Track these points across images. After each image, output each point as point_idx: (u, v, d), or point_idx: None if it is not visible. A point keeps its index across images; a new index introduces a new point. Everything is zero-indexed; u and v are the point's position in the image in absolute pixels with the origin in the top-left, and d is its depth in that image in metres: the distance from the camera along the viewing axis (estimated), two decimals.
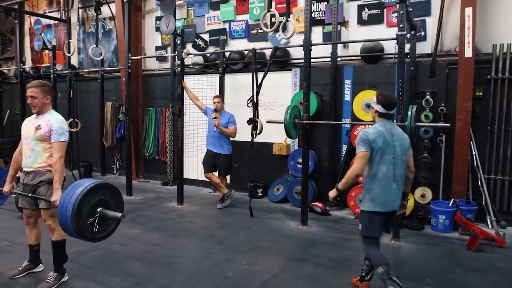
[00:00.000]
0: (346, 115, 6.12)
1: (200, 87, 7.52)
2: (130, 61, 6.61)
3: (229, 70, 7.18)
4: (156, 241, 4.57)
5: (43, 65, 9.70)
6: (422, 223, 5.15)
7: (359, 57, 6.09)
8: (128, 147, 6.90)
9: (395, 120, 4.26)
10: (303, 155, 5.20)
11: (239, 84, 7.06)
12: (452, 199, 5.05)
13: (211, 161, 6.08)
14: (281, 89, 6.66)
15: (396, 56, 5.11)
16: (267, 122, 5.37)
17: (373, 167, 3.07)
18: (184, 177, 7.13)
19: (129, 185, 6.82)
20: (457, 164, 5.23)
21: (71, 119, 7.59)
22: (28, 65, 10.07)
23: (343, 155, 6.12)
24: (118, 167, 8.83)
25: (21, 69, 8.60)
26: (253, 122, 5.42)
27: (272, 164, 6.86)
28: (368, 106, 5.62)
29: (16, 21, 8.64)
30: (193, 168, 7.70)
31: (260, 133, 5.45)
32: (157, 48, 8.18)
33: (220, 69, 7.08)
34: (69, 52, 7.95)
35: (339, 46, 6.19)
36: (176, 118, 6.47)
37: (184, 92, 6.19)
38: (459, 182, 5.21)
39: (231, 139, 6.11)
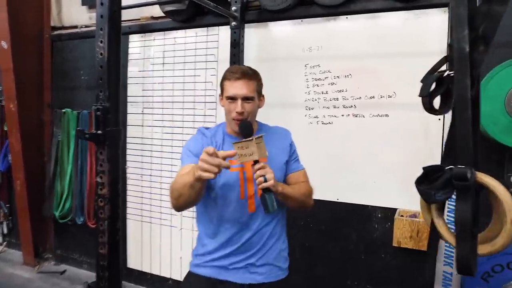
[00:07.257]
0: None
1: (181, 59, 3.15)
2: None
3: (255, 16, 2.84)
4: None
5: None
6: None
7: None
8: None
9: None
10: None
11: (285, 49, 2.75)
12: None
13: None
14: (413, 60, 2.41)
15: None
16: None
17: None
18: (140, 269, 2.93)
19: None
20: None
21: None
22: None
23: None
24: (5, 230, 4.27)
25: None
26: (438, 171, 1.03)
27: (387, 268, 2.52)
28: None
29: None
30: (159, 250, 3.30)
31: None
32: None
33: (233, 9, 2.74)
34: None
35: None
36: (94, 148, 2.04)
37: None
38: None
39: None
